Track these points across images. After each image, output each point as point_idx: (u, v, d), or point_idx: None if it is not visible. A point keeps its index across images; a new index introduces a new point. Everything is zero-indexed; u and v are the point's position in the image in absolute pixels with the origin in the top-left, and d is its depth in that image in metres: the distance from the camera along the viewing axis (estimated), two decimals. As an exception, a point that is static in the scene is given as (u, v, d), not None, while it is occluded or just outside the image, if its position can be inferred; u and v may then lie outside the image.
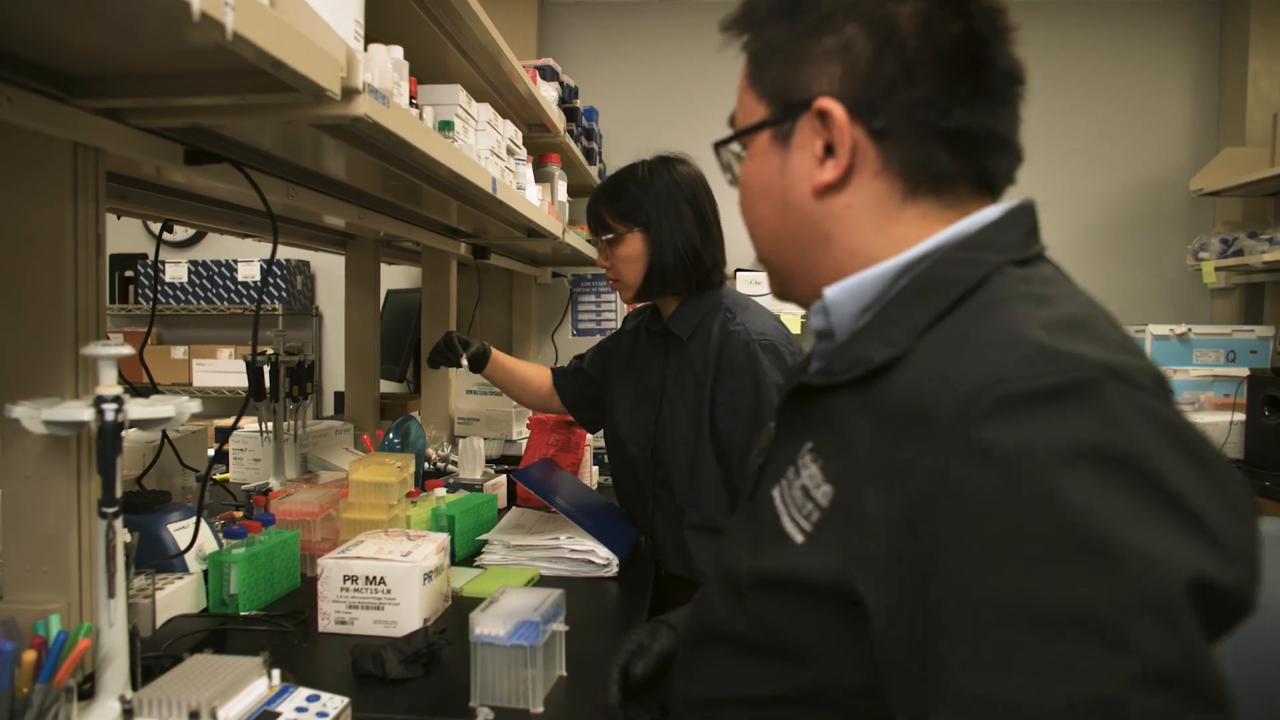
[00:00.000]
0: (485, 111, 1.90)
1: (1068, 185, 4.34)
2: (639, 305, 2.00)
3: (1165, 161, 4.32)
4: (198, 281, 4.37)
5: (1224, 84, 4.24)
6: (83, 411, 0.94)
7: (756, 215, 0.83)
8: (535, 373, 2.21)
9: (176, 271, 4.40)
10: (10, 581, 1.14)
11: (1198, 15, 4.29)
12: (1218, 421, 3.35)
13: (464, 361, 2.11)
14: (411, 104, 1.44)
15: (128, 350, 1.00)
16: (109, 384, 0.99)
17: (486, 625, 1.11)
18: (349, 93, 1.10)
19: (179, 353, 4.45)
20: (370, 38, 1.75)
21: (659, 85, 4.38)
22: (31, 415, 0.94)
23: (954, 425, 0.59)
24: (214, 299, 4.37)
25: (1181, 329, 3.69)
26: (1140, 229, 4.34)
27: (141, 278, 4.39)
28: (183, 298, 4.39)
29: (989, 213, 0.75)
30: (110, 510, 0.97)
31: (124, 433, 0.98)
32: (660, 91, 4.37)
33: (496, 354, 2.18)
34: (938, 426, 0.60)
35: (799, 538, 0.71)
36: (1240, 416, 3.32)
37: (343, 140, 1.43)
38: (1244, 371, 3.45)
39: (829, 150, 0.75)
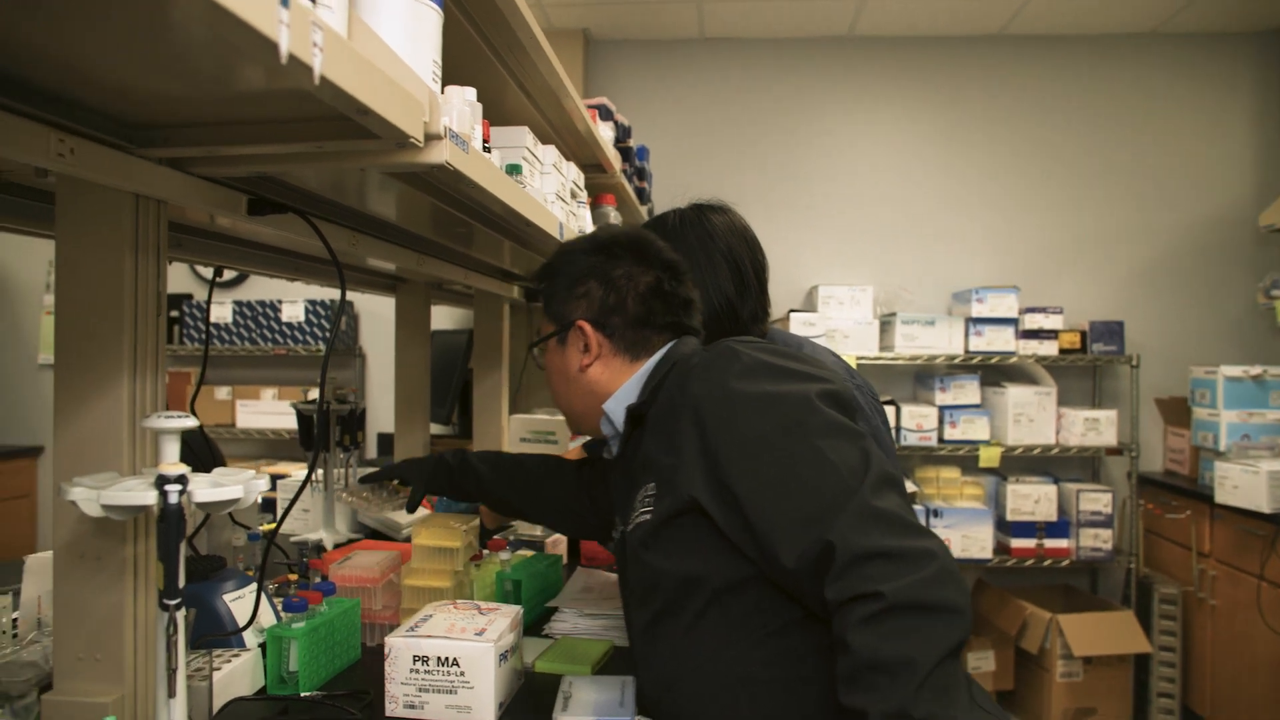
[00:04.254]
0: (550, 154, 1.82)
1: (1129, 220, 4.20)
2: None
3: (1230, 196, 4.17)
4: (242, 322, 4.34)
5: (1294, 115, 4.10)
6: (145, 495, 0.85)
7: (554, 385, 1.40)
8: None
9: (220, 312, 4.37)
10: (61, 669, 1.05)
11: (1260, 48, 4.16)
12: (1306, 469, 3.18)
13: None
14: (486, 147, 1.36)
15: (191, 423, 0.91)
16: (171, 460, 0.90)
17: (582, 728, 1.00)
18: (431, 138, 1.02)
19: (223, 393, 4.41)
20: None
21: (704, 122, 4.31)
22: (88, 498, 0.85)
23: (684, 397, 1.15)
24: (258, 339, 4.33)
25: (1256, 370, 3.52)
26: (1205, 266, 4.18)
27: (187, 318, 4.36)
28: (227, 338, 4.35)
29: (666, 346, 1.34)
30: (173, 602, 0.88)
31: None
32: (706, 128, 4.30)
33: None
34: (679, 404, 1.16)
35: (650, 515, 1.16)
36: (1332, 463, 3.14)
37: (412, 185, 1.35)
38: (1330, 415, 3.28)
39: (586, 347, 1.33)
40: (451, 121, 1.13)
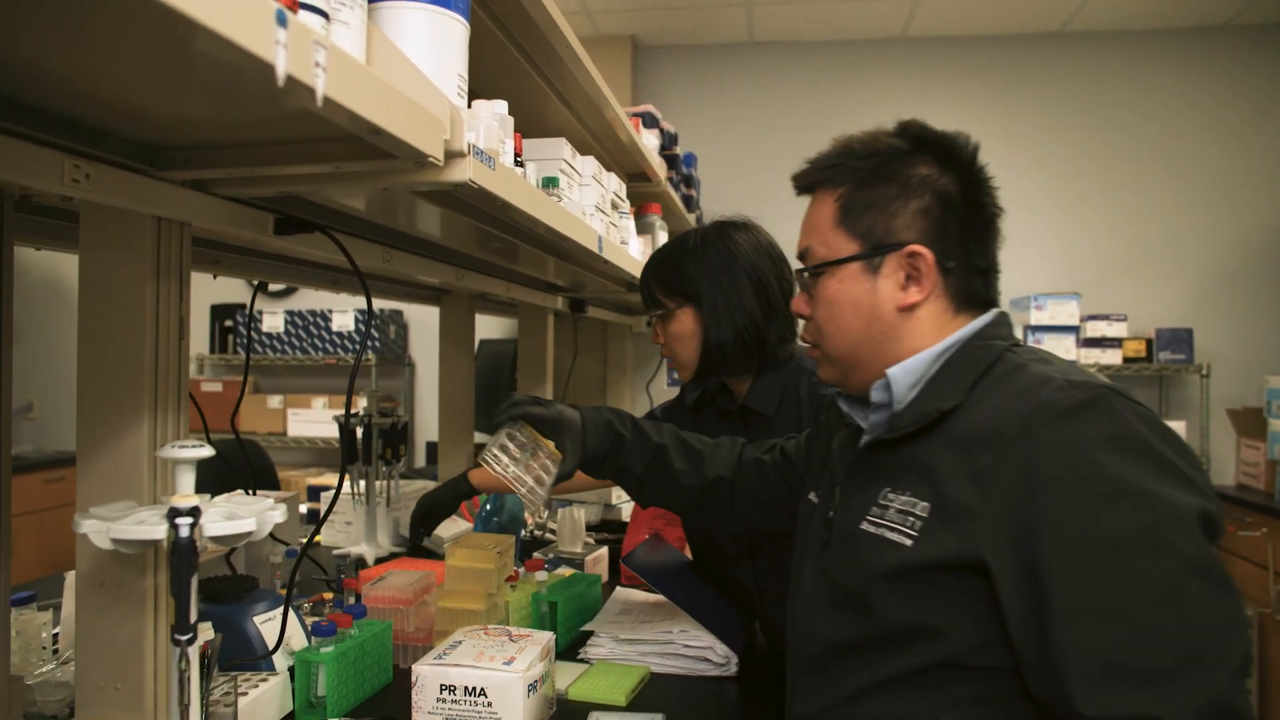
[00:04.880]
0: (590, 165, 1.79)
1: (1198, 224, 4.03)
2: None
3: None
4: (293, 331, 4.39)
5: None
6: (155, 529, 0.83)
7: (841, 322, 1.08)
8: None
9: (273, 321, 4.43)
10: (82, 698, 1.04)
11: (1347, 38, 3.97)
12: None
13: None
14: (516, 162, 1.32)
15: (207, 452, 0.89)
16: (185, 491, 0.88)
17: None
18: (453, 156, 0.98)
19: (275, 401, 4.47)
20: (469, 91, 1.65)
21: (754, 127, 4.25)
22: (99, 530, 0.83)
23: (1022, 436, 0.89)
24: (309, 349, 4.37)
25: (1341, 381, 3.35)
26: (1282, 271, 3.99)
27: (240, 327, 4.43)
28: (279, 347, 4.40)
29: (985, 317, 1.07)
30: (184, 638, 0.85)
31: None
32: (756, 133, 4.24)
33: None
34: (1009, 440, 0.90)
35: (908, 542, 0.94)
36: None
37: (443, 204, 1.32)
38: None
39: (910, 281, 1.04)
40: (478, 137, 1.10)
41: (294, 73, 0.65)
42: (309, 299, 4.61)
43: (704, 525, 1.46)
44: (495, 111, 1.26)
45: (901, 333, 1.04)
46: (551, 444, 1.30)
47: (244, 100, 0.83)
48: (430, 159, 0.92)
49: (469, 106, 1.14)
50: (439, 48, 1.03)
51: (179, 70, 0.74)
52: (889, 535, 0.96)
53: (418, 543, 2.06)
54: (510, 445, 1.26)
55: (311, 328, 4.38)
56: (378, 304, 4.24)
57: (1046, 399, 0.90)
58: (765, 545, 1.61)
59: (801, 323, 1.16)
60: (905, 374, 1.03)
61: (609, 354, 3.89)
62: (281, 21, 0.64)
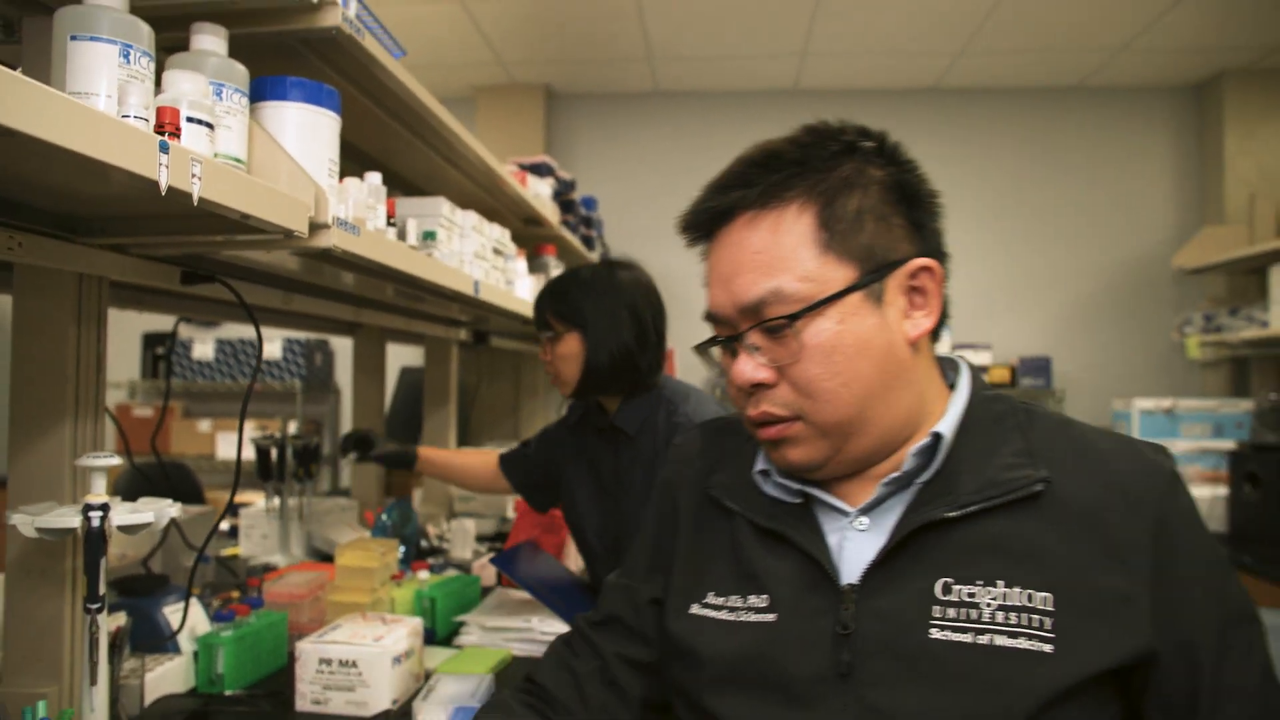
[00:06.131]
0: (470, 217, 2.05)
1: (1056, 262, 4.45)
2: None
3: (1150, 239, 4.44)
4: (223, 359, 4.57)
5: (1204, 164, 4.38)
6: (71, 519, 1.07)
7: (850, 373, 0.83)
8: (478, 460, 2.31)
9: (204, 349, 4.61)
10: (8, 667, 1.27)
11: (1176, 101, 4.45)
12: (1203, 496, 3.38)
13: (352, 456, 2.36)
14: (390, 223, 1.58)
15: (116, 461, 1.13)
16: (98, 492, 1.12)
17: (429, 714, 1.22)
18: (318, 228, 1.24)
19: (204, 426, 4.64)
20: (371, 158, 1.92)
21: (660, 169, 4.57)
22: (25, 522, 1.07)
23: (1158, 505, 0.80)
24: (237, 375, 4.56)
25: (1167, 403, 3.74)
26: (1127, 304, 4.43)
27: (172, 355, 4.60)
28: (208, 374, 4.58)
29: (963, 364, 0.93)
30: (94, 606, 1.10)
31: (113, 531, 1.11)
32: (661, 175, 4.56)
33: (426, 451, 2.33)
34: (1145, 509, 0.79)
35: (1047, 648, 0.75)
36: (1225, 490, 3.35)
37: (328, 261, 1.58)
38: (1231, 445, 3.49)
39: (914, 304, 0.86)
40: (346, 210, 1.37)
41: (175, 184, 0.92)
42: (238, 328, 4.79)
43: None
44: (369, 184, 1.52)
45: (914, 375, 0.85)
46: None
47: (145, 194, 1.09)
48: (296, 233, 1.18)
49: (340, 182, 1.41)
50: (310, 139, 1.29)
51: (94, 176, 1.00)
52: (1003, 642, 0.76)
53: (342, 455, 2.42)
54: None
55: (241, 355, 4.57)
56: (301, 334, 4.45)
57: (1151, 462, 0.83)
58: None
59: (746, 397, 0.88)
60: (950, 432, 0.84)
61: (521, 379, 4.15)
62: (164, 150, 0.91)
